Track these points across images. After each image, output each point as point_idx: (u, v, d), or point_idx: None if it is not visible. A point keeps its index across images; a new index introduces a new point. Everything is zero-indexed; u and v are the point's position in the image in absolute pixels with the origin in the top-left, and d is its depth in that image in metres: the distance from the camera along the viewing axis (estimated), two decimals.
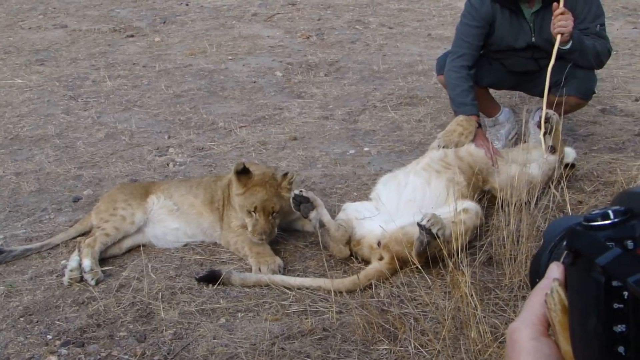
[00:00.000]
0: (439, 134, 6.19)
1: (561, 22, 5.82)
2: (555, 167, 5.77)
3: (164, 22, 12.72)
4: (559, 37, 5.86)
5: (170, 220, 5.60)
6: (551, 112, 5.94)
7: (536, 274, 1.34)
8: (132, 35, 12.03)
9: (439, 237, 4.61)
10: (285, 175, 5.41)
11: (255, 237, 5.21)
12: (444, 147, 5.87)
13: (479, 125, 6.13)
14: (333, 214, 5.49)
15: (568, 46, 5.94)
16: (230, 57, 10.65)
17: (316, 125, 7.90)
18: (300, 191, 5.08)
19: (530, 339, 1.23)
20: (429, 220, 4.65)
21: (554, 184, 5.42)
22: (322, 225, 5.04)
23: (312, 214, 5.06)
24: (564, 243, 1.26)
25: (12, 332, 4.53)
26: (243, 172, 5.31)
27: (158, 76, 9.83)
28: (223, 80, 9.61)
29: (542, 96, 6.19)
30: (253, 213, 5.24)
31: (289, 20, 12.71)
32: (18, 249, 5.41)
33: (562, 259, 1.26)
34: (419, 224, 4.69)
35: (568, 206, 5.19)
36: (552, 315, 1.22)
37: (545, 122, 5.91)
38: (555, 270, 1.25)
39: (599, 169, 6.35)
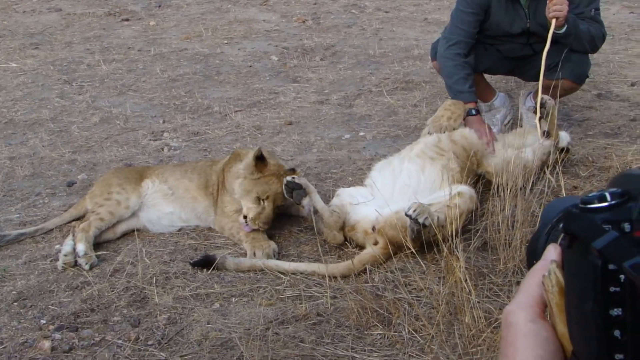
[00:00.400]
0: (428, 120, 6.19)
1: (556, 7, 5.81)
2: (550, 152, 5.77)
3: (159, 6, 12.67)
4: (554, 22, 5.85)
5: (165, 205, 5.59)
6: (546, 97, 5.93)
7: (533, 256, 1.33)
8: (127, 19, 11.99)
9: (425, 226, 4.62)
10: (292, 170, 5.41)
11: (255, 224, 5.20)
12: (434, 132, 5.86)
13: (477, 112, 6.12)
14: (328, 198, 5.49)
15: (563, 30, 5.93)
16: (225, 41, 10.62)
17: (311, 109, 7.88)
18: (293, 178, 5.06)
19: (527, 321, 1.22)
20: (414, 211, 4.65)
21: (549, 169, 5.42)
22: (315, 211, 5.03)
23: (305, 201, 5.05)
24: (561, 225, 1.25)
25: (6, 316, 4.52)
26: (260, 159, 5.30)
27: (153, 60, 9.80)
28: (218, 64, 9.58)
29: (536, 80, 6.19)
30: (262, 201, 5.23)
31: (284, 4, 12.67)
32: (12, 234, 5.40)
33: (559, 241, 1.25)
34: (405, 214, 4.70)
35: (563, 191, 5.19)
36: (550, 297, 1.21)
37: (540, 107, 5.90)
38: (552, 252, 1.24)
39: (594, 154, 6.34)
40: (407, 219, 4.70)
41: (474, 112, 6.10)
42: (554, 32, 5.89)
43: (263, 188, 5.23)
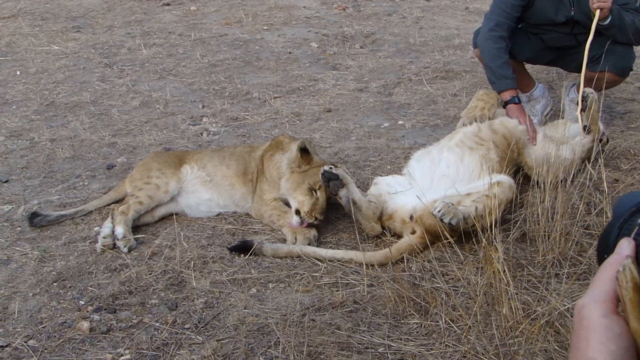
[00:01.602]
0: (462, 112, 6.15)
1: None
2: (590, 148, 5.70)
3: None
4: (598, 12, 5.78)
5: (203, 191, 5.61)
6: (589, 90, 5.85)
7: (605, 250, 1.31)
8: (168, 4, 12.03)
9: (452, 225, 4.60)
10: (332, 165, 5.41)
11: (312, 217, 5.15)
12: (468, 123, 5.83)
13: (519, 100, 6.06)
14: (366, 186, 5.48)
15: (607, 22, 5.85)
16: (265, 28, 10.62)
17: (351, 97, 7.87)
18: (330, 167, 5.04)
19: (600, 316, 1.20)
20: (439, 211, 4.63)
21: (590, 162, 5.37)
22: (353, 203, 5.02)
23: (342, 192, 5.03)
24: (636, 219, 1.23)
25: (46, 296, 4.56)
26: (305, 151, 5.30)
27: (193, 45, 9.84)
28: (258, 50, 9.59)
29: (578, 72, 6.11)
30: (315, 192, 5.22)
31: None
32: (53, 214, 5.45)
33: (633, 235, 1.23)
34: (432, 213, 4.69)
35: (604, 184, 5.13)
36: (623, 293, 1.19)
37: (582, 100, 5.84)
38: (626, 247, 1.22)
39: (636, 147, 6.27)
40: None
41: (516, 100, 6.05)
42: (597, 24, 5.82)
43: (314, 179, 5.20)
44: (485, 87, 6.93)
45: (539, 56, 6.71)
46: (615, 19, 5.87)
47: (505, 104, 6.04)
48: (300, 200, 5.23)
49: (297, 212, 5.22)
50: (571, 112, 6.56)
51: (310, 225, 5.17)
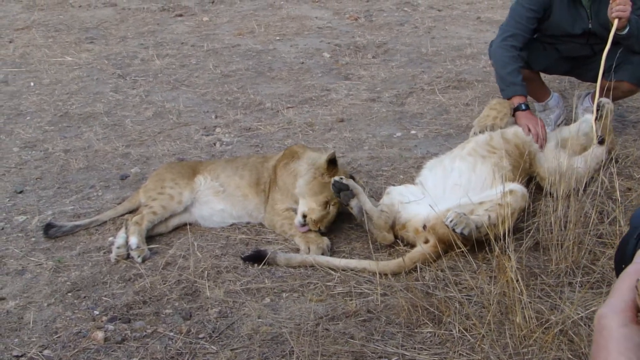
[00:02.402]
0: (474, 121, 6.15)
1: (619, 7, 5.73)
2: (603, 160, 5.70)
3: (212, 2, 12.75)
4: (616, 22, 5.76)
5: (217, 202, 5.62)
6: (605, 100, 5.84)
7: (622, 260, 1.31)
8: (180, 15, 12.08)
9: (464, 235, 4.60)
10: (352, 177, 5.43)
11: (316, 227, 5.22)
12: (479, 132, 5.83)
13: (527, 107, 6.05)
14: (379, 196, 5.49)
15: (625, 31, 5.85)
16: (278, 38, 10.66)
17: (363, 107, 7.88)
18: (341, 178, 5.05)
19: (620, 325, 1.21)
20: (451, 221, 4.64)
21: (602, 171, 5.36)
22: (364, 213, 5.02)
23: (353, 202, 5.03)
24: None
25: (60, 306, 4.59)
26: (332, 163, 5.32)
27: (206, 56, 9.87)
28: (271, 60, 9.62)
29: (594, 81, 6.10)
30: (329, 206, 5.25)
31: (337, 1, 12.68)
32: (68, 225, 5.48)
33: None
34: (444, 223, 4.69)
35: (617, 193, 5.13)
36: None
37: (597, 110, 5.83)
38: None
39: None
40: None
41: (523, 107, 6.04)
42: (615, 33, 5.81)
43: (332, 194, 5.23)
44: (498, 97, 6.95)
45: (555, 66, 6.71)
46: (634, 29, 5.87)
47: (514, 111, 6.03)
48: (311, 207, 5.25)
49: (304, 216, 5.25)
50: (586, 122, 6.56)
51: (309, 232, 5.23)
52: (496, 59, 6.32)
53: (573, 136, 5.78)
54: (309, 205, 5.26)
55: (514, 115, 6.03)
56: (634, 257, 1.26)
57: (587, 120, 6.03)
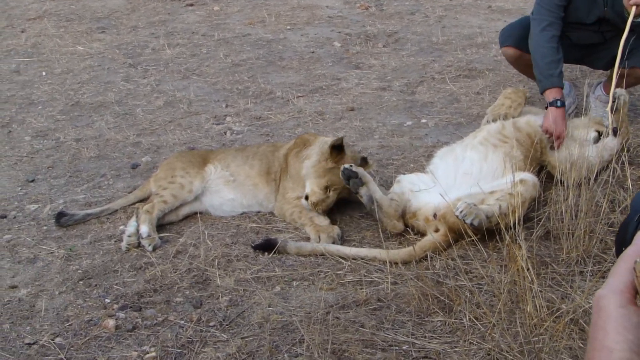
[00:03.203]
0: (488, 108, 6.12)
1: None
2: (616, 151, 5.67)
3: None
4: (633, 9, 5.70)
5: (227, 191, 5.62)
6: (621, 91, 5.79)
7: (622, 242, 1.32)
8: (191, 4, 12.08)
9: (474, 225, 4.60)
10: (364, 159, 5.42)
11: (315, 209, 5.26)
12: (492, 120, 5.81)
13: (563, 104, 5.95)
14: (389, 185, 5.49)
15: None
16: (288, 27, 10.64)
17: (374, 96, 7.87)
18: (351, 165, 5.05)
19: (618, 306, 1.21)
20: (461, 212, 4.64)
21: (613, 160, 5.35)
22: (373, 202, 5.02)
23: (363, 190, 5.03)
24: None
25: (72, 294, 4.60)
26: (339, 148, 5.32)
27: (217, 45, 9.87)
28: (281, 50, 9.61)
29: (606, 69, 6.06)
30: (329, 190, 5.26)
31: None
32: (79, 213, 5.50)
33: None
34: (454, 214, 4.69)
35: (629, 181, 5.12)
36: None
37: (612, 101, 5.78)
38: None
39: None
40: None
41: (559, 103, 5.88)
42: (632, 21, 5.75)
43: (334, 179, 5.23)
44: (510, 85, 6.93)
45: (566, 54, 6.60)
46: None
47: (547, 106, 5.94)
48: (313, 190, 5.29)
49: (306, 197, 5.30)
50: (596, 110, 6.53)
51: (317, 216, 5.30)
52: (536, 48, 6.16)
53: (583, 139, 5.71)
54: (311, 187, 5.30)
55: (546, 108, 5.95)
56: (633, 240, 1.26)
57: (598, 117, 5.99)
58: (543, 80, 6.03)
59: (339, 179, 5.16)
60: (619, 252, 1.30)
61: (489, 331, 3.96)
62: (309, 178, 5.33)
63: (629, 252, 1.24)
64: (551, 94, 5.93)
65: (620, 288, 1.23)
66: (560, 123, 5.78)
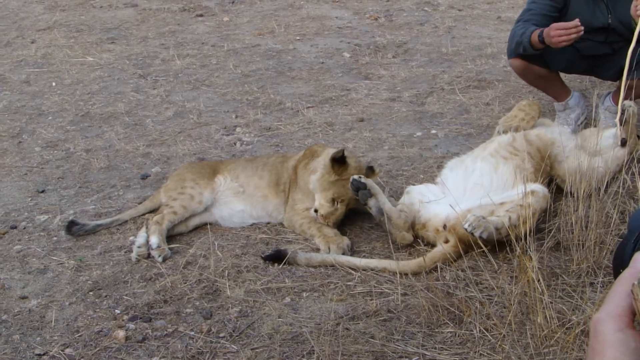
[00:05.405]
0: (500, 119, 6.12)
1: None
2: (623, 162, 5.68)
3: (233, 2, 12.76)
4: None
5: (236, 202, 5.63)
6: (629, 102, 5.80)
7: (620, 264, 1.31)
8: (201, 15, 12.10)
9: (483, 238, 4.59)
10: (371, 168, 5.42)
11: (325, 222, 5.26)
12: (503, 132, 5.81)
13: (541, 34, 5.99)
14: (399, 196, 5.49)
15: None
16: (298, 38, 10.66)
17: (383, 106, 7.88)
18: (360, 177, 5.05)
19: (615, 330, 1.20)
20: (470, 225, 4.63)
21: (623, 170, 5.34)
22: (383, 213, 5.02)
23: (371, 202, 5.03)
24: None
25: (82, 305, 4.61)
26: (340, 161, 5.31)
27: (226, 56, 9.89)
28: (291, 60, 9.63)
29: (614, 80, 6.06)
30: (337, 203, 5.26)
31: (357, 1, 12.65)
32: (90, 224, 5.50)
33: None
34: (463, 227, 4.69)
35: (639, 192, 5.10)
36: (639, 307, 1.19)
37: (621, 112, 5.78)
38: None
39: None
40: None
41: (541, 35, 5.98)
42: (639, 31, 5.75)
43: (340, 191, 5.23)
44: (523, 97, 6.93)
45: (574, 65, 6.65)
46: None
47: (539, 37, 5.98)
48: (321, 203, 5.29)
49: (315, 210, 5.31)
50: (606, 121, 6.52)
51: (326, 227, 5.29)
52: (510, 37, 6.31)
53: (593, 148, 5.71)
54: (319, 200, 5.31)
55: (542, 41, 5.99)
56: (630, 262, 1.26)
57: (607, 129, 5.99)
58: (520, 42, 6.18)
59: (345, 190, 5.16)
60: (616, 274, 1.30)
61: (499, 342, 3.96)
62: (316, 192, 5.34)
63: (627, 275, 1.23)
64: (534, 34, 6.02)
65: (618, 312, 1.22)
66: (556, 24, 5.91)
